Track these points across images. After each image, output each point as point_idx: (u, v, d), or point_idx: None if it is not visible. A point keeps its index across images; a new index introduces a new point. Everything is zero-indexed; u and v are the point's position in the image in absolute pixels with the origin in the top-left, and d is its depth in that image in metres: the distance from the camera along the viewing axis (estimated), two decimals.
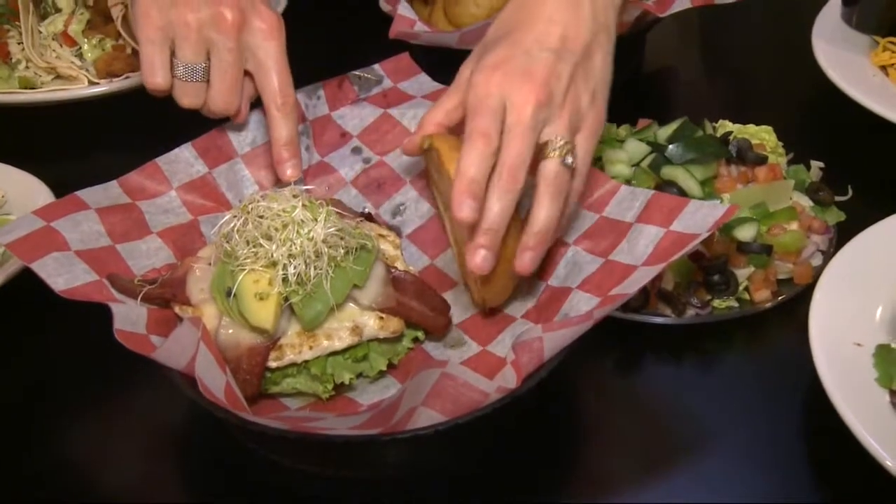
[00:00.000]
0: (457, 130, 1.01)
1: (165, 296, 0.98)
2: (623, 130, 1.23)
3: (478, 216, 0.91)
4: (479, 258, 0.92)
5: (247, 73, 1.11)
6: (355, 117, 1.20)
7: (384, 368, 0.97)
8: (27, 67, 1.44)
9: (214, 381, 0.86)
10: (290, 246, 0.92)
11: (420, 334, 1.00)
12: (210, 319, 0.95)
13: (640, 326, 1.05)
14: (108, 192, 1.06)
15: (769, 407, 0.99)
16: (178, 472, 0.99)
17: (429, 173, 1.11)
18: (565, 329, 0.87)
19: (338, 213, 0.98)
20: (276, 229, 0.93)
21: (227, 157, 1.13)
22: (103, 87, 1.42)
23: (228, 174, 1.13)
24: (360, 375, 0.97)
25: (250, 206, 0.95)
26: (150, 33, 1.06)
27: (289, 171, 1.11)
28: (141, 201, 1.07)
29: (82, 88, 1.42)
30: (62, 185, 1.11)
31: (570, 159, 0.93)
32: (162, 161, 1.10)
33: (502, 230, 0.92)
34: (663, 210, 0.97)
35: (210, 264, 0.98)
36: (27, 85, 1.43)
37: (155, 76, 1.08)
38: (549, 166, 0.92)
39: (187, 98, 1.10)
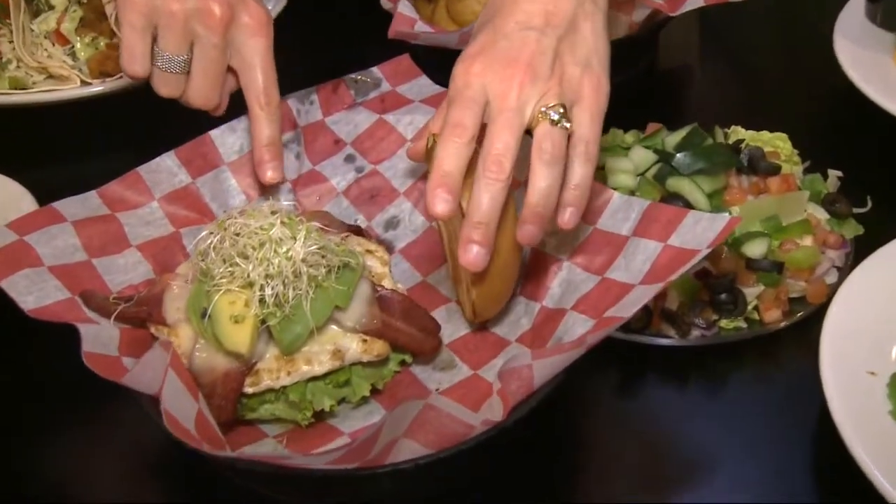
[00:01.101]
0: None
1: (140, 315, 0.93)
2: (630, 136, 1.17)
3: (452, 211, 0.86)
4: (472, 254, 0.86)
5: (230, 69, 1.07)
6: (349, 123, 1.15)
7: (367, 394, 0.92)
8: (18, 67, 1.39)
9: (184, 411, 0.82)
10: (268, 266, 0.87)
11: (407, 357, 0.95)
12: (185, 341, 0.90)
13: (642, 348, 1.00)
14: (86, 204, 1.02)
15: (777, 435, 0.93)
16: (160, 496, 0.95)
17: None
18: (556, 356, 0.82)
19: (321, 228, 0.93)
20: (253, 248, 0.88)
21: (212, 165, 1.08)
22: (96, 88, 1.36)
23: (213, 184, 1.08)
24: (342, 401, 0.92)
25: (227, 223, 0.91)
26: (132, 18, 1.02)
27: (269, 174, 1.07)
28: (121, 213, 1.03)
29: (74, 89, 1.37)
30: (49, 192, 1.06)
31: (556, 116, 0.86)
32: (144, 170, 1.05)
33: (494, 223, 0.86)
34: (661, 222, 0.91)
35: (188, 282, 0.93)
36: (18, 85, 1.38)
37: (133, 63, 1.04)
38: (538, 131, 0.86)
39: (165, 88, 1.06)
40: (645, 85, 1.41)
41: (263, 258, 0.87)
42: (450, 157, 0.86)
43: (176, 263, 1.01)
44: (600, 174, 1.10)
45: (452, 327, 1.00)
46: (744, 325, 1.00)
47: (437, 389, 0.94)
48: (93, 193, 1.03)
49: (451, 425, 0.80)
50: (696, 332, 0.99)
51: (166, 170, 1.06)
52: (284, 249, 0.88)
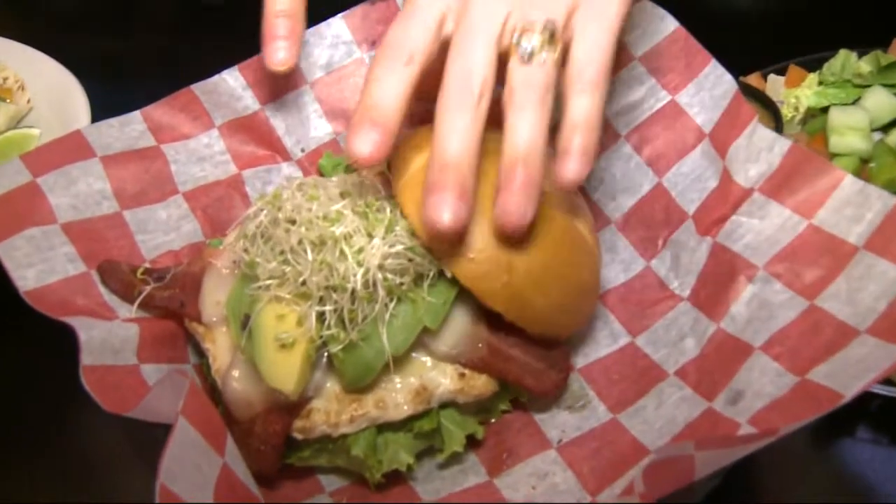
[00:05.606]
0: None
1: (171, 305, 0.70)
2: (867, 64, 0.84)
3: (380, 154, 0.61)
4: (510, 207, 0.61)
5: None
6: None
7: (461, 449, 0.66)
8: None
9: (198, 478, 0.58)
10: (329, 273, 0.61)
11: (521, 395, 0.70)
12: (222, 352, 0.67)
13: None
14: (125, 130, 0.78)
15: None
16: None
17: None
18: (730, 449, 0.56)
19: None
20: (312, 244, 0.62)
21: (290, 86, 0.82)
22: None
23: (290, 111, 0.82)
24: (428, 450, 0.68)
25: (283, 198, 0.65)
26: None
27: (280, 55, 0.78)
28: (168, 144, 0.79)
29: None
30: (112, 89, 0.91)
31: (528, 45, 0.62)
32: (199, 89, 0.80)
33: (539, 161, 0.60)
34: None
35: (235, 263, 0.69)
36: None
37: None
38: (508, 66, 0.62)
39: None
40: None
41: (323, 262, 0.61)
42: (379, 84, 0.62)
43: (232, 221, 0.76)
44: (812, 124, 0.79)
45: (592, 344, 0.73)
46: None
47: (559, 441, 0.68)
48: (136, 115, 0.79)
49: None
50: None
51: (227, 91, 0.81)
52: (355, 249, 0.62)
